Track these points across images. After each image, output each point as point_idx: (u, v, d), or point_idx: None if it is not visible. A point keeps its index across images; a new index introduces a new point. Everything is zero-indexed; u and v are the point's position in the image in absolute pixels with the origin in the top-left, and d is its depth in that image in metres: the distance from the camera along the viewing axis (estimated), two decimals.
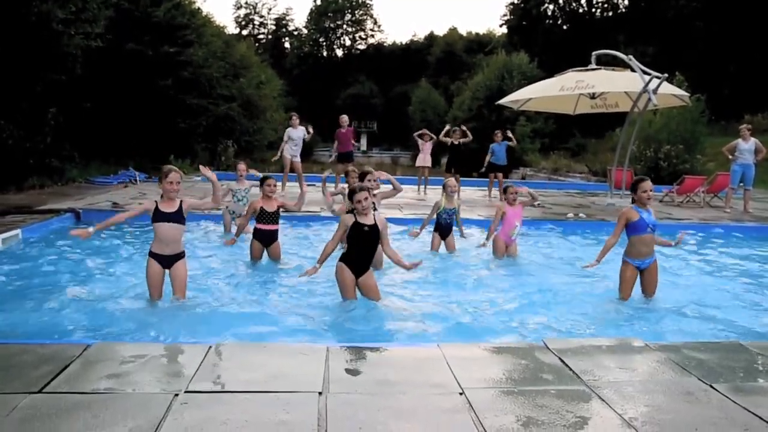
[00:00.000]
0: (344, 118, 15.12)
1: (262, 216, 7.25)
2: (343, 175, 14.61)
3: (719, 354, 4.17)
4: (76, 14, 14.51)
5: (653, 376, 3.74)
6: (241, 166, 9.27)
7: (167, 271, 5.46)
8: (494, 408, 3.22)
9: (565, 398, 3.36)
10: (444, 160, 19.30)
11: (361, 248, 5.57)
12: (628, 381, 3.64)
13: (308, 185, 16.05)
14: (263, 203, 7.29)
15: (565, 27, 49.57)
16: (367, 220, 5.53)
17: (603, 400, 3.34)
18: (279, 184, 14.43)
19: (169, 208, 5.34)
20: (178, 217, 5.35)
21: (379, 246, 6.84)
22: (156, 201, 5.40)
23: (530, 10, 49.92)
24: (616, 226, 5.99)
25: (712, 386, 3.55)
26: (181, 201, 5.40)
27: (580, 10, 50.05)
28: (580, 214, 12.07)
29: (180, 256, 5.47)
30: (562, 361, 3.92)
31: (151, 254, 5.40)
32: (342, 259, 5.62)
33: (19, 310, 5.36)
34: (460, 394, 3.39)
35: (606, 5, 49.71)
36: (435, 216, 8.06)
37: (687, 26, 36.06)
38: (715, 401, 3.37)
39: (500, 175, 15.26)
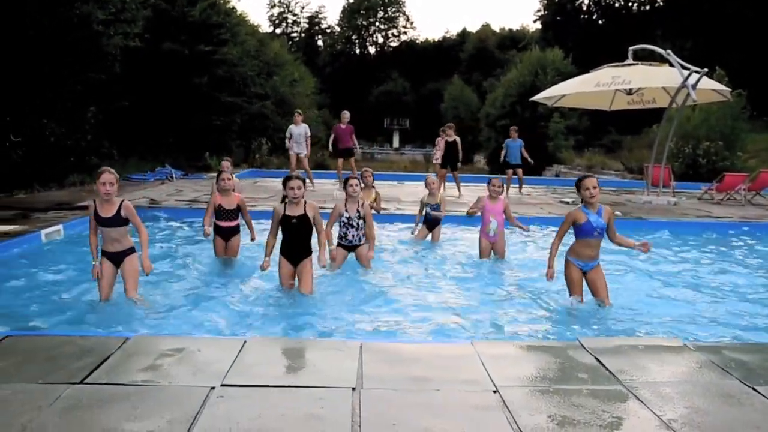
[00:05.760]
0: (346, 114, 15.22)
1: (221, 212, 6.93)
2: (344, 171, 14.63)
3: (762, 355, 4.05)
4: (115, 15, 14.87)
5: (692, 377, 3.66)
6: (225, 163, 8.10)
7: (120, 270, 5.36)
8: (529, 407, 3.19)
9: (601, 398, 3.31)
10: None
11: (291, 238, 5.71)
12: (666, 382, 3.57)
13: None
14: (221, 200, 6.93)
15: (600, 22, 48.73)
16: (296, 211, 5.65)
17: (640, 401, 3.28)
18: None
19: (106, 212, 5.22)
20: (116, 220, 5.23)
21: (363, 248, 6.74)
22: (94, 201, 5.29)
23: (565, 5, 49.19)
24: (560, 226, 5.53)
25: (754, 389, 3.46)
26: (121, 203, 5.25)
27: (617, 4, 49.13)
28: (616, 212, 11.84)
29: (128, 251, 5.38)
30: (598, 360, 3.86)
31: (103, 252, 5.34)
32: (280, 250, 5.79)
33: (61, 303, 5.53)
34: (494, 392, 3.37)
35: None
36: (424, 212, 8.54)
37: (728, 20, 35.08)
38: (758, 404, 3.28)
39: (519, 171, 15.02)
